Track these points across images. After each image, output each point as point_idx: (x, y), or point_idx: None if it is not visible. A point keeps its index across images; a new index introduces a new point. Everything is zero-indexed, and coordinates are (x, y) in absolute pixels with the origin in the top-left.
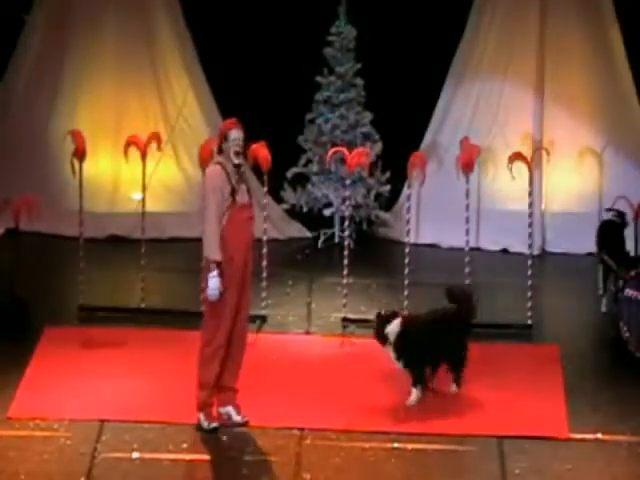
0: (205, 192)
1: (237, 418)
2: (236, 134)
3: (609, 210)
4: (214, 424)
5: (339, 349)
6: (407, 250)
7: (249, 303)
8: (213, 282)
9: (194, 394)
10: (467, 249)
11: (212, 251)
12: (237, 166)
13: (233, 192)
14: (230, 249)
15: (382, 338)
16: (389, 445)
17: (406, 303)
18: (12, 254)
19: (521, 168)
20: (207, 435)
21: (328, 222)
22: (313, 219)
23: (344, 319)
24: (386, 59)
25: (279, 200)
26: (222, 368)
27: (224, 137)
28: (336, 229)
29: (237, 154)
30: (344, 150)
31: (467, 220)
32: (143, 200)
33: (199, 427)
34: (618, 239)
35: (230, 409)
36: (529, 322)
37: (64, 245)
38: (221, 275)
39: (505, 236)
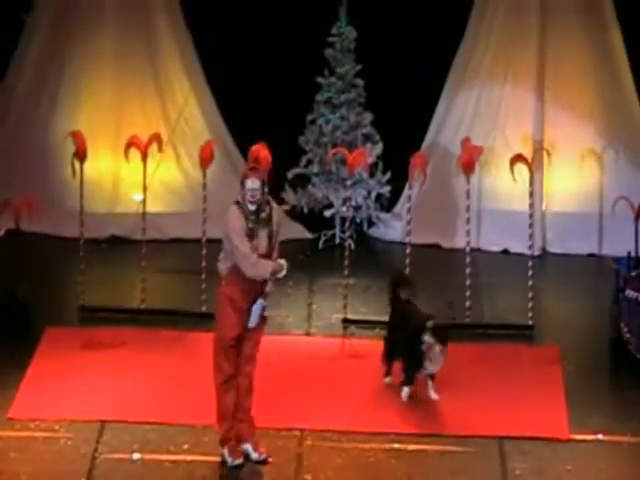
0: (229, 234)
1: (254, 456)
2: (251, 184)
3: None
4: (237, 461)
5: (339, 350)
6: (408, 251)
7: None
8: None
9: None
10: (468, 250)
11: (263, 270)
12: (255, 212)
13: (250, 234)
14: (235, 291)
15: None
16: (389, 446)
17: None
18: (13, 255)
19: (522, 169)
20: (208, 437)
21: (329, 223)
22: (314, 220)
23: (344, 320)
24: (386, 60)
25: (280, 201)
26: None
27: (241, 182)
28: (337, 230)
29: (252, 203)
30: (345, 151)
31: (468, 221)
32: (144, 201)
33: (223, 462)
34: None
35: (247, 446)
36: (530, 323)
37: (65, 246)
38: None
39: (506, 237)
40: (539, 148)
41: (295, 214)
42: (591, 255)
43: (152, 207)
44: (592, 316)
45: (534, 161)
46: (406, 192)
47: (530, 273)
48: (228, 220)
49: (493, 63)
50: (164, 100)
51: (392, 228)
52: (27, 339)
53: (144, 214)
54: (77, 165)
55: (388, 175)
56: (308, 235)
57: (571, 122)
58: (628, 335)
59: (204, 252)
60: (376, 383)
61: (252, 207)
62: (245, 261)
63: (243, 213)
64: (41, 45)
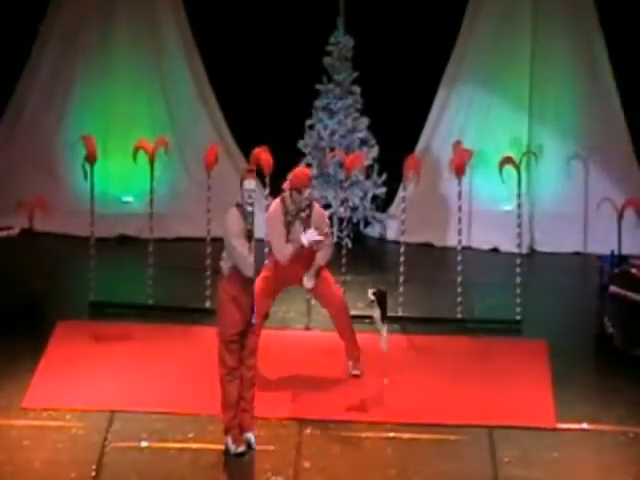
0: (228, 235)
1: (255, 446)
2: (248, 185)
3: None
4: (241, 448)
5: (337, 343)
6: (402, 249)
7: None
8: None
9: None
10: (459, 248)
11: (247, 269)
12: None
13: (248, 235)
14: (237, 289)
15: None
16: (385, 435)
17: (401, 299)
18: (27, 253)
19: (510, 171)
20: (213, 426)
21: None
22: None
23: None
24: (382, 67)
25: None
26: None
27: (240, 183)
28: (335, 229)
29: (249, 204)
30: (342, 154)
31: (459, 220)
32: (151, 201)
33: (227, 450)
34: None
35: (250, 435)
36: (518, 318)
37: (76, 245)
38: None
39: (495, 236)
40: (527, 151)
41: None
42: (577, 253)
43: (159, 208)
44: (577, 311)
45: (522, 163)
46: (400, 193)
47: (518, 270)
48: (227, 222)
49: (484, 69)
50: (170, 104)
51: (387, 227)
52: (40, 333)
53: (151, 214)
54: (87, 168)
55: (383, 177)
56: None
57: (557, 126)
58: (611, 330)
59: (208, 250)
60: (372, 375)
61: (250, 208)
62: (243, 262)
63: (242, 214)
64: (53, 52)
